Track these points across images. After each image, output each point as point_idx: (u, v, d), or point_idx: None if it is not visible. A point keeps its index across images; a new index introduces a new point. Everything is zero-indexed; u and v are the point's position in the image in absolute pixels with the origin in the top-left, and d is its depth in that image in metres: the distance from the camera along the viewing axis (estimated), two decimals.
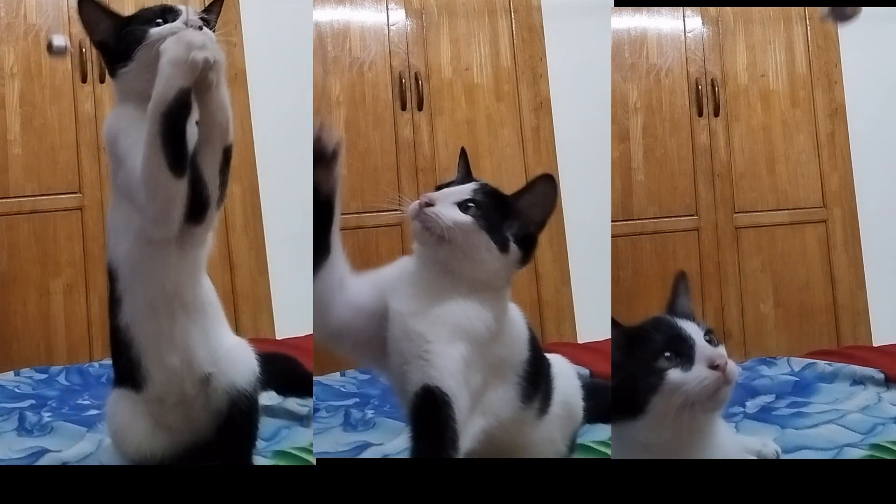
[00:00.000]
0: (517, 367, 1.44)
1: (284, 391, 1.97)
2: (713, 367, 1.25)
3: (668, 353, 1.27)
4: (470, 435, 1.36)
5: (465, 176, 1.50)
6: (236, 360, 1.57)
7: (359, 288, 1.43)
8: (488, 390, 1.40)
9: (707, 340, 1.30)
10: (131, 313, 1.49)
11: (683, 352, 1.27)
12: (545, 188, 1.43)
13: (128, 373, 1.52)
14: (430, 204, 1.37)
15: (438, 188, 1.45)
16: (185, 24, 1.44)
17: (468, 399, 1.35)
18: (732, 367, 1.27)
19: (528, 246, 1.41)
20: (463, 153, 1.54)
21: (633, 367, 1.28)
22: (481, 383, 1.38)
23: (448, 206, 1.37)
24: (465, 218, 1.36)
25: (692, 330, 1.30)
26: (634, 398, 1.27)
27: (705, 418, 1.29)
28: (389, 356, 1.40)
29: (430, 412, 1.32)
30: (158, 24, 1.47)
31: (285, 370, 1.99)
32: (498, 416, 1.41)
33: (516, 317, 1.48)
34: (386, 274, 1.45)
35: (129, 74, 1.49)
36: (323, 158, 1.38)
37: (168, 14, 1.49)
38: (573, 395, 1.60)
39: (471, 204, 1.38)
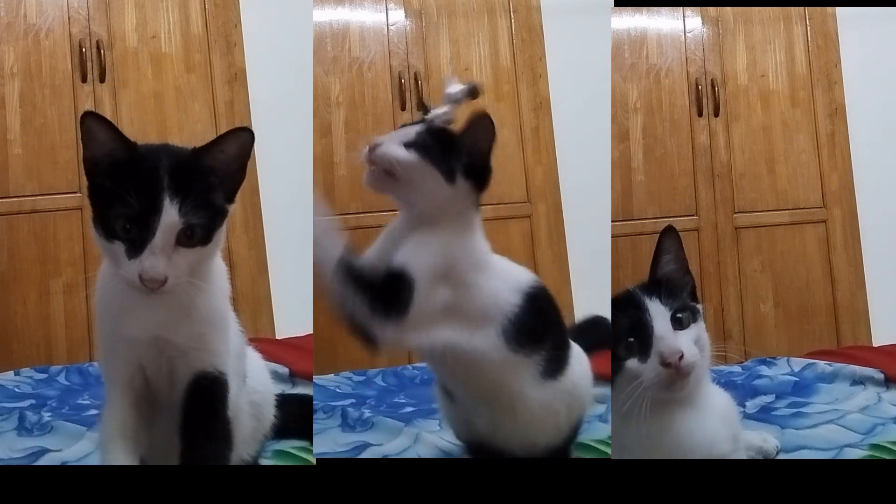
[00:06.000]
0: (504, 310, 1.48)
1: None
2: (665, 364, 1.27)
3: (630, 339, 1.30)
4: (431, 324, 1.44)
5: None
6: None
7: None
8: (458, 312, 1.46)
9: (678, 318, 1.31)
10: None
11: (644, 340, 1.29)
12: (483, 123, 1.49)
13: None
14: (377, 146, 1.45)
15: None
16: None
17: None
18: (689, 360, 1.28)
19: (478, 176, 1.49)
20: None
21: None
22: (448, 298, 1.45)
23: (394, 146, 1.45)
24: (410, 155, 1.44)
25: (657, 312, 1.31)
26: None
27: (672, 400, 1.31)
28: None
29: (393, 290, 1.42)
30: None
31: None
32: (471, 340, 1.46)
33: (513, 279, 1.52)
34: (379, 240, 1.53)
35: None
36: None
37: None
38: (585, 380, 1.62)
39: (416, 141, 1.46)
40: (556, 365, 1.54)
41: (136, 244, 1.21)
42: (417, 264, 1.42)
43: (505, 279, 1.51)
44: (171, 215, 1.21)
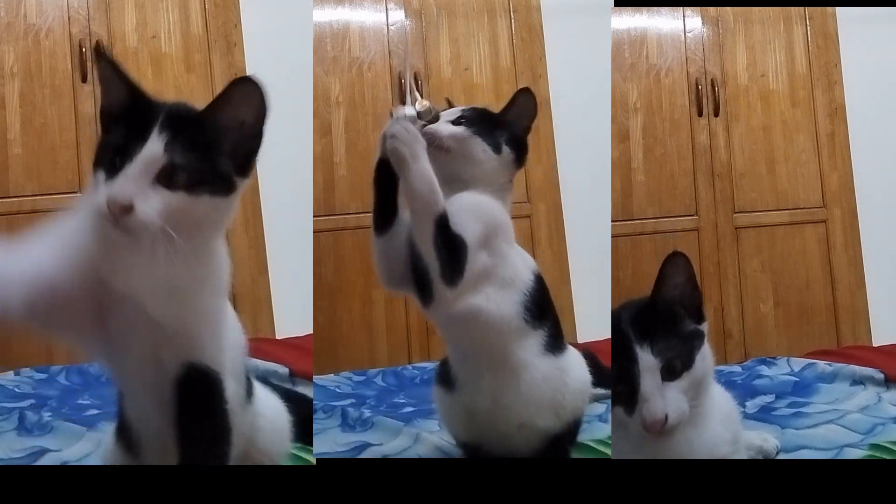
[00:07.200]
0: (524, 283, 1.58)
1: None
2: (646, 429, 1.25)
3: (620, 386, 1.27)
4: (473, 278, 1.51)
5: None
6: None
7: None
8: (491, 279, 1.54)
9: (671, 364, 1.26)
10: None
11: (631, 393, 1.26)
12: (526, 99, 1.66)
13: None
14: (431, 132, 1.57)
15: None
16: None
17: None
18: (672, 422, 1.24)
19: (518, 148, 1.64)
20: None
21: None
22: (487, 263, 1.54)
23: (443, 124, 1.59)
24: (459, 129, 1.59)
25: (646, 366, 1.25)
26: None
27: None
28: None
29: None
30: None
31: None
32: (500, 306, 1.54)
33: (527, 258, 1.64)
34: None
35: None
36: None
37: None
38: (582, 375, 1.66)
39: (462, 119, 1.60)
40: (556, 342, 1.61)
41: (116, 172, 1.14)
42: (469, 230, 1.51)
43: (523, 256, 1.63)
44: (154, 148, 1.14)
